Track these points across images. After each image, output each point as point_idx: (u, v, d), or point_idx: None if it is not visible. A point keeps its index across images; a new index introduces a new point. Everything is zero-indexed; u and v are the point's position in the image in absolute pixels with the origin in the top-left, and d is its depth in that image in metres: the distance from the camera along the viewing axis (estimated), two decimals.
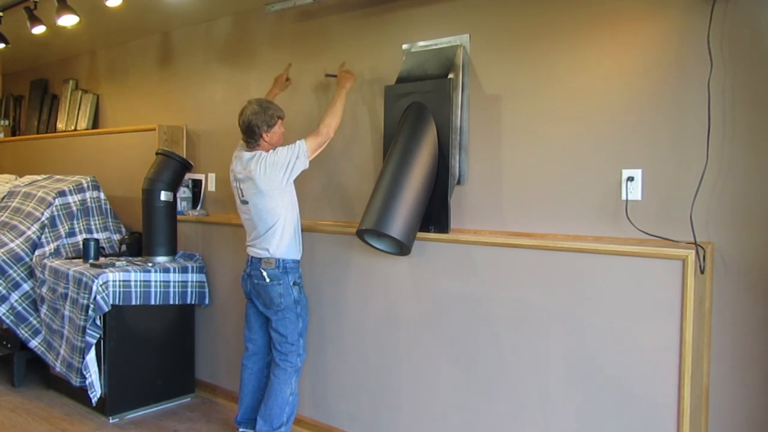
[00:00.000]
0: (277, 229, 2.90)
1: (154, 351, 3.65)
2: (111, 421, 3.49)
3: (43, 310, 3.74)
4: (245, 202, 2.97)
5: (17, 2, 3.68)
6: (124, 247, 3.93)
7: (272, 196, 2.88)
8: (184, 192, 3.99)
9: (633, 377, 2.29)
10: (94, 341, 3.34)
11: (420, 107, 2.77)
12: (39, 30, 3.70)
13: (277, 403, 2.96)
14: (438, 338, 2.82)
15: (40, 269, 3.76)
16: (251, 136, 2.92)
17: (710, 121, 2.21)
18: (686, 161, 2.27)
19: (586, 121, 2.49)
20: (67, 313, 3.51)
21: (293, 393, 2.98)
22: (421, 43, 2.95)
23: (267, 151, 2.95)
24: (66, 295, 3.51)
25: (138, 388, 3.59)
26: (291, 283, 2.94)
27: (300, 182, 3.48)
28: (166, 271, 3.62)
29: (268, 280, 2.92)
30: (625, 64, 2.41)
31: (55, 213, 3.96)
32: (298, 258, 3.00)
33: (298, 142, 2.90)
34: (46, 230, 3.91)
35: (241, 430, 3.17)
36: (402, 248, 2.72)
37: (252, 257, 2.99)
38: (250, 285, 3.01)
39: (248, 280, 3.01)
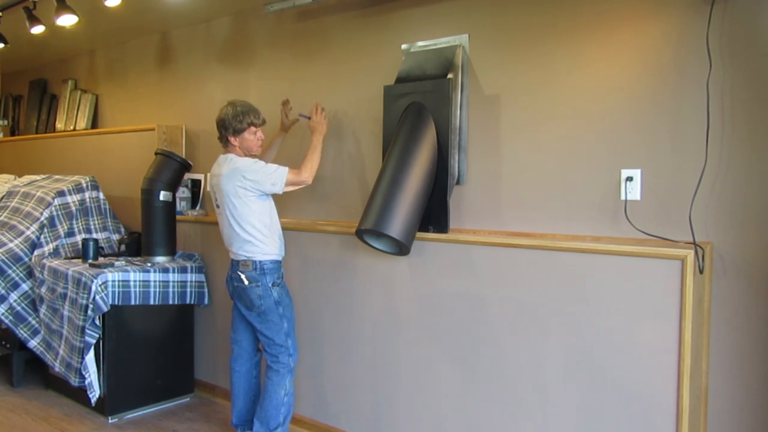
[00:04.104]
0: (251, 232, 2.89)
1: (153, 351, 3.65)
2: (110, 421, 3.49)
3: (42, 310, 3.73)
4: (218, 206, 2.98)
5: (16, 2, 3.68)
6: (123, 247, 3.93)
7: (241, 200, 2.87)
8: (183, 192, 3.99)
9: (632, 377, 2.30)
10: (94, 341, 3.34)
11: (419, 107, 2.77)
12: (38, 30, 3.70)
13: (272, 405, 2.95)
14: (437, 338, 2.82)
15: (39, 269, 3.76)
16: (220, 135, 2.97)
17: (709, 120, 2.21)
18: (685, 161, 2.28)
19: (585, 120, 2.50)
20: (66, 313, 3.50)
21: (288, 393, 2.97)
22: (420, 43, 2.95)
23: (241, 155, 2.95)
24: (65, 295, 3.51)
25: (137, 388, 3.59)
26: (270, 285, 2.92)
27: None
28: (165, 271, 3.62)
29: (246, 282, 2.91)
30: (624, 64, 2.41)
31: (54, 213, 3.95)
32: (278, 259, 2.97)
33: (281, 168, 2.87)
34: (45, 230, 3.91)
35: None
36: (401, 248, 2.72)
37: (232, 260, 2.99)
38: (231, 288, 3.01)
39: (230, 283, 3.01)
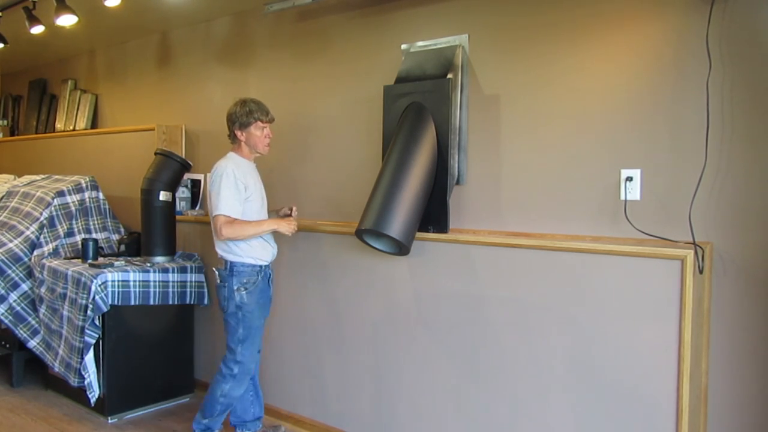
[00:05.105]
0: None
1: (152, 351, 3.65)
2: (110, 421, 3.49)
3: (42, 310, 3.73)
4: None
5: (16, 2, 3.68)
6: (122, 247, 3.93)
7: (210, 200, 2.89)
8: (183, 192, 3.99)
9: (632, 377, 2.30)
10: (93, 341, 3.33)
11: (419, 107, 2.77)
12: (38, 30, 3.70)
13: (210, 398, 2.99)
14: (437, 338, 2.82)
15: (38, 269, 3.76)
16: (229, 131, 2.98)
17: (709, 120, 2.21)
18: (685, 161, 2.28)
19: (584, 120, 2.50)
20: (65, 313, 3.50)
21: (224, 395, 2.95)
22: (420, 43, 2.95)
23: (247, 155, 2.97)
24: (65, 295, 3.51)
25: (137, 389, 3.59)
26: (235, 288, 2.89)
27: (299, 183, 3.49)
28: (165, 271, 3.62)
29: (218, 281, 2.94)
30: (623, 63, 2.41)
31: (54, 213, 3.95)
32: (254, 263, 2.92)
33: (223, 209, 2.79)
34: (45, 230, 3.91)
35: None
36: (401, 248, 2.72)
37: None
38: None
39: None
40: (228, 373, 2.95)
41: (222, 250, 2.93)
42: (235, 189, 2.83)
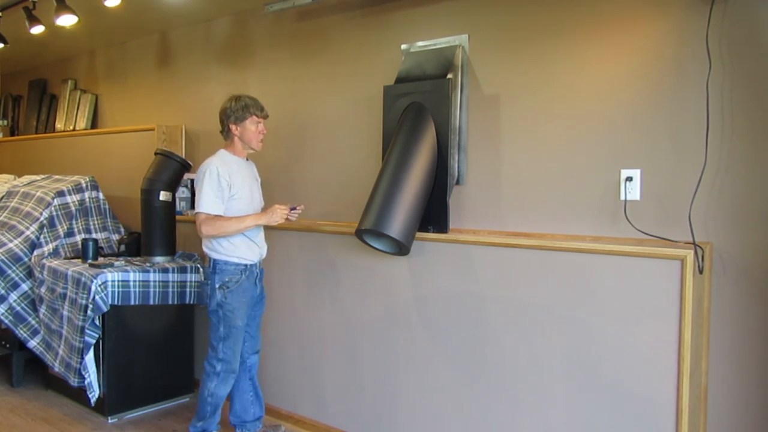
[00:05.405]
0: None
1: (152, 351, 3.65)
2: (110, 421, 3.49)
3: (42, 310, 3.73)
4: None
5: (16, 2, 3.68)
6: (122, 247, 3.93)
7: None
8: (183, 192, 3.99)
9: (632, 377, 2.30)
10: (93, 341, 3.33)
11: (419, 107, 2.77)
12: (38, 30, 3.70)
13: (199, 400, 3.01)
14: (437, 338, 2.82)
15: (38, 269, 3.76)
16: (222, 127, 2.96)
17: (709, 120, 2.21)
18: (685, 161, 2.27)
19: (584, 121, 2.50)
20: (65, 313, 3.50)
21: (211, 395, 2.96)
22: (420, 44, 2.95)
23: (240, 152, 2.96)
24: (65, 295, 3.51)
25: (137, 388, 3.59)
26: (217, 286, 2.88)
27: (299, 183, 3.49)
28: (165, 271, 3.61)
29: (203, 278, 2.96)
30: (623, 64, 2.41)
31: (54, 213, 3.95)
32: (237, 262, 2.91)
33: (205, 207, 2.80)
34: (45, 230, 3.91)
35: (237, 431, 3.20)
36: (401, 248, 2.72)
37: None
38: None
39: None
40: (211, 371, 2.95)
41: (207, 247, 2.93)
42: (217, 187, 2.82)
